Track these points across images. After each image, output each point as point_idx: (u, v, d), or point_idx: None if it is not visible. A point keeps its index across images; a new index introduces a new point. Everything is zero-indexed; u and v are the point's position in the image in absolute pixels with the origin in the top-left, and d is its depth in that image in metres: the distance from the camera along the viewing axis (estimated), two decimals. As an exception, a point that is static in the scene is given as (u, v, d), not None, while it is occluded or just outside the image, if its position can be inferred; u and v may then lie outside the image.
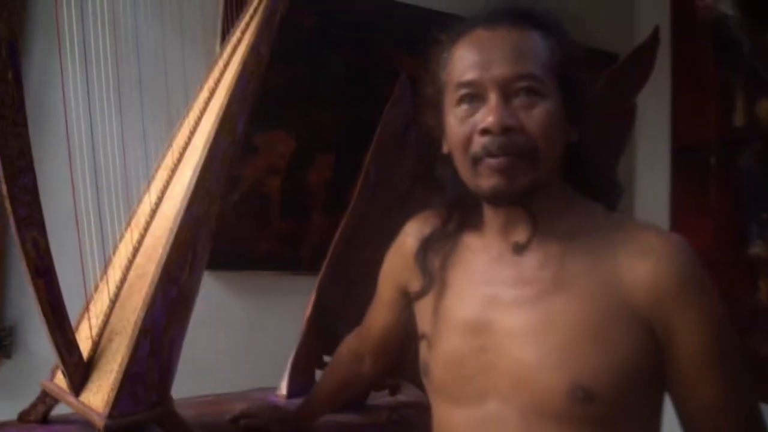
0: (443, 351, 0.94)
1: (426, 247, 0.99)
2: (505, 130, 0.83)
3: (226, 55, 1.25)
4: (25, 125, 0.98)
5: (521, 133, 0.83)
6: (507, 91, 0.84)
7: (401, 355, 1.26)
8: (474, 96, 0.86)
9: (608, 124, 1.50)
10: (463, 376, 0.90)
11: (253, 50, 1.21)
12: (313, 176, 2.08)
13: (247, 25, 1.27)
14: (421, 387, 1.51)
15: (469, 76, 0.86)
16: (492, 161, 0.84)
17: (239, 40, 1.26)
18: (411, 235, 1.05)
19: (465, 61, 0.87)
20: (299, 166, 2.06)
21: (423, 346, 0.98)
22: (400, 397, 1.47)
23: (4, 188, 0.95)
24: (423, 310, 0.99)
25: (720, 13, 2.36)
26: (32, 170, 0.97)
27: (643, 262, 0.82)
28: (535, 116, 0.84)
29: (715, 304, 0.84)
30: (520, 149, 0.83)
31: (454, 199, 0.96)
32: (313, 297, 1.46)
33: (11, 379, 1.70)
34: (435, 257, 0.99)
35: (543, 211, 0.90)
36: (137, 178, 1.21)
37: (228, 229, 1.95)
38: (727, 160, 2.33)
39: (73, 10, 1.33)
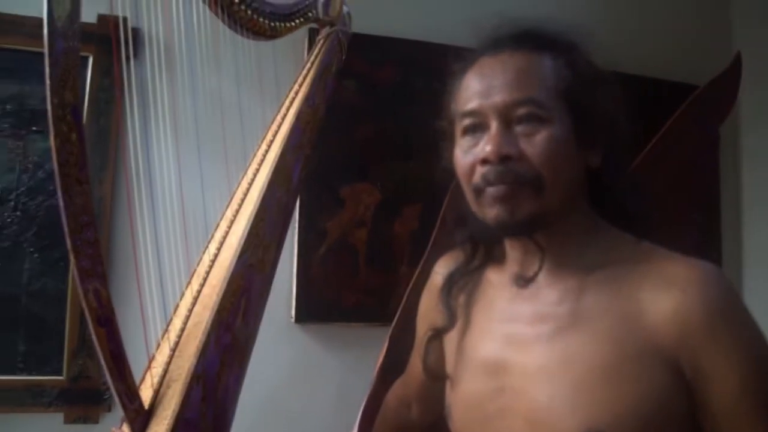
0: (463, 392, 0.91)
1: (450, 283, 0.97)
2: (503, 159, 0.80)
3: (284, 109, 1.29)
4: (88, 183, 1.04)
5: (522, 161, 0.80)
6: (508, 119, 0.81)
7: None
8: (477, 126, 0.84)
9: (691, 157, 1.42)
10: (482, 419, 0.86)
11: (308, 101, 1.25)
12: (399, 227, 2.08)
13: (305, 78, 1.31)
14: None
15: (471, 105, 0.84)
16: (492, 190, 0.81)
17: (296, 93, 1.30)
18: (439, 273, 1.03)
19: (468, 91, 0.85)
20: (385, 217, 2.07)
21: (447, 387, 0.96)
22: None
23: (69, 242, 1.01)
24: (448, 349, 0.97)
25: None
26: (94, 225, 1.03)
27: (668, 295, 0.76)
28: (537, 143, 0.80)
29: (752, 339, 0.76)
30: (521, 178, 0.80)
31: (476, 232, 0.92)
32: (385, 346, 1.44)
33: (111, 433, 1.77)
34: (460, 294, 0.96)
35: (560, 241, 0.85)
36: (199, 231, 1.26)
37: (316, 282, 1.98)
38: None
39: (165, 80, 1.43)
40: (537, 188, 0.80)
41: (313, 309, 1.98)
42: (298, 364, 1.98)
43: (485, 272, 0.96)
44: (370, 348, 2.01)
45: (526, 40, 0.85)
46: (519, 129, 0.81)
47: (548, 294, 0.85)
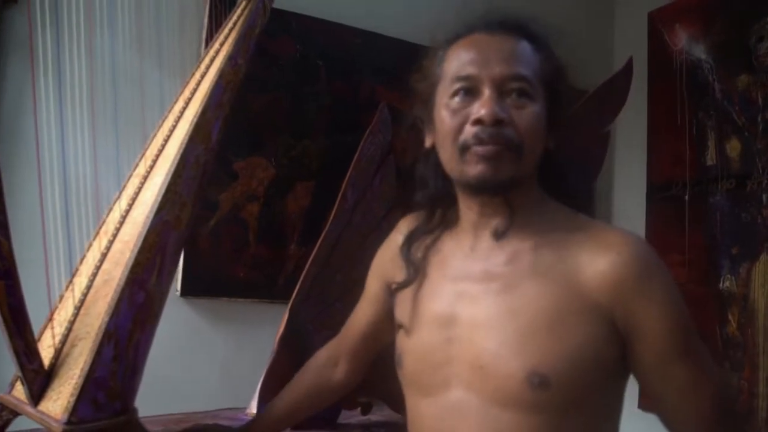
0: (415, 343, 0.98)
1: (410, 240, 1.04)
2: (497, 121, 0.88)
3: (203, 66, 1.25)
4: (-7, 125, 0.97)
5: (511, 127, 0.89)
6: (501, 90, 0.90)
7: (374, 373, 1.25)
8: (469, 90, 0.91)
9: (584, 150, 1.52)
10: (431, 367, 0.94)
11: (231, 61, 1.21)
12: (292, 204, 2.06)
13: (226, 37, 1.27)
14: (394, 407, 1.49)
15: (467, 71, 0.92)
16: (479, 149, 0.89)
17: (217, 52, 1.25)
18: (401, 232, 1.10)
19: (464, 58, 0.93)
20: (278, 193, 2.04)
21: (399, 337, 1.02)
22: (372, 417, 1.44)
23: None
24: (402, 302, 1.03)
25: (694, 58, 2.44)
26: (-2, 171, 0.95)
27: (604, 257, 0.87)
28: (525, 115, 0.90)
29: (674, 293, 0.89)
30: (509, 141, 0.89)
31: (435, 194, 1.01)
32: (285, 317, 1.44)
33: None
34: (418, 251, 1.03)
35: (520, 205, 0.95)
36: (108, 188, 1.20)
37: (204, 255, 1.92)
38: (700, 197, 2.39)
39: (48, 33, 1.35)
40: (518, 154, 0.89)
41: (199, 282, 1.92)
42: (182, 339, 1.90)
43: (441, 234, 1.03)
44: (256, 324, 1.99)
45: (516, 28, 0.94)
46: (509, 100, 0.90)
47: (497, 255, 0.94)
